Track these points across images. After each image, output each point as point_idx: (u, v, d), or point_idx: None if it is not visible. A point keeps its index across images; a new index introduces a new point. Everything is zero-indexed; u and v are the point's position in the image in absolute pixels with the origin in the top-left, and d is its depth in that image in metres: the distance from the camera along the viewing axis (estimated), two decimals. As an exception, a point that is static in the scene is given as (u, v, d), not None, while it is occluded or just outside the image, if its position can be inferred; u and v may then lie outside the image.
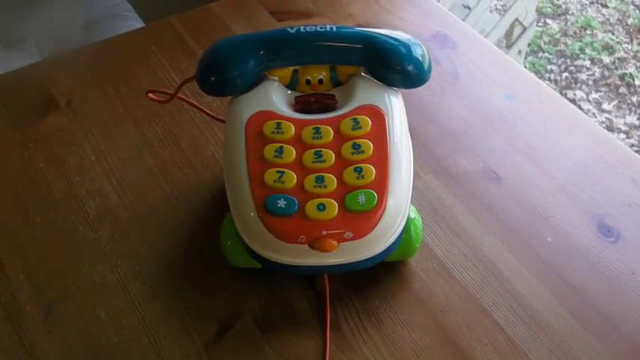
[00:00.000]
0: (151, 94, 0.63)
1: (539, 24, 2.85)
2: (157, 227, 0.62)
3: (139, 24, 1.37)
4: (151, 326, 0.55)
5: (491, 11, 2.38)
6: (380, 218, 0.51)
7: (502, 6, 2.38)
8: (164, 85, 0.76)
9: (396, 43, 0.57)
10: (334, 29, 0.56)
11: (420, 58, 0.57)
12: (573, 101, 2.54)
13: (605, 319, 0.55)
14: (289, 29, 0.57)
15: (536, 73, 2.65)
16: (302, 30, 0.56)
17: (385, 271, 0.58)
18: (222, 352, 0.54)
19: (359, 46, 0.56)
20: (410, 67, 0.56)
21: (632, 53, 2.73)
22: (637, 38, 2.80)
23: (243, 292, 0.57)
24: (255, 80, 0.57)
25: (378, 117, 0.54)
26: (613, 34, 2.84)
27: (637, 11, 2.96)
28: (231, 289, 0.58)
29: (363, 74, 0.57)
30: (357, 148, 0.53)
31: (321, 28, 0.56)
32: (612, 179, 0.65)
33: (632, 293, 0.56)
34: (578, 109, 0.75)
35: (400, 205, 0.53)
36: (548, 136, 0.70)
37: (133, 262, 0.60)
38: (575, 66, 2.69)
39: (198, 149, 0.69)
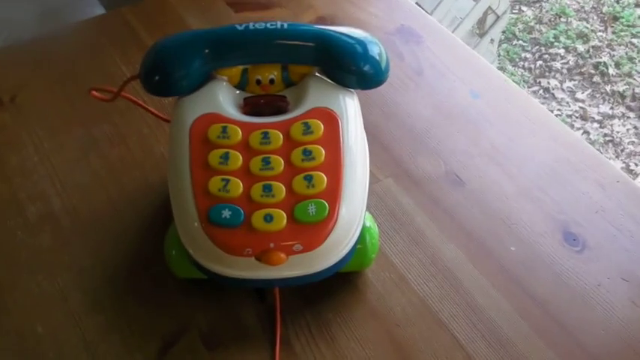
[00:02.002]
0: (94, 92, 0.59)
1: (514, 11, 2.83)
2: (101, 235, 0.59)
3: (100, 11, 1.32)
4: (91, 342, 0.52)
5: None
6: (332, 229, 0.48)
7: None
8: (114, 80, 0.72)
9: (352, 41, 0.53)
10: (285, 26, 0.53)
11: (377, 58, 0.54)
12: (547, 90, 2.53)
13: (568, 333, 0.53)
14: (237, 26, 0.53)
15: (510, 60, 2.64)
16: (251, 27, 0.53)
17: (339, 283, 0.55)
18: (164, 371, 0.50)
19: (311, 44, 0.53)
20: (366, 68, 0.53)
21: (606, 42, 2.72)
22: (611, 27, 2.79)
23: (190, 306, 0.54)
24: (202, 80, 0.53)
25: (331, 121, 0.51)
26: (588, 22, 2.82)
27: (612, -1, 2.94)
28: (177, 303, 0.54)
29: (317, 74, 0.54)
30: (307, 154, 0.49)
31: (271, 25, 0.53)
32: (579, 183, 0.63)
33: (596, 306, 0.54)
34: (546, 109, 0.72)
35: (354, 214, 0.50)
36: (513, 136, 0.67)
37: (74, 273, 0.56)
38: (550, 54, 2.67)
39: (147, 150, 0.66)
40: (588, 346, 0.52)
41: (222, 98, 0.53)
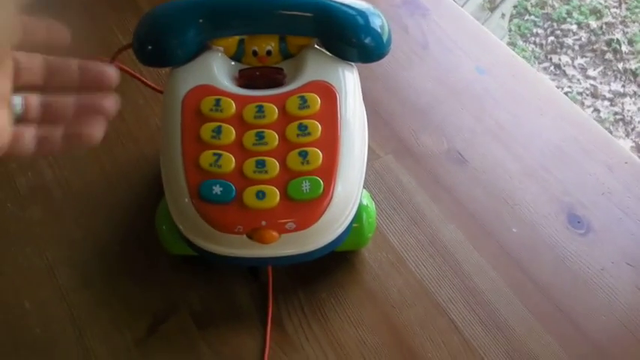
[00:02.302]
0: (86, 62, 0.57)
1: (527, -15, 2.78)
2: (93, 207, 0.58)
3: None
4: (78, 318, 0.51)
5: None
6: (326, 208, 0.46)
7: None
8: (110, 48, 0.70)
9: (352, 12, 0.51)
10: (284, -5, 0.51)
11: (379, 30, 0.52)
12: (558, 66, 2.49)
13: (569, 318, 0.51)
14: (234, -6, 0.51)
15: (522, 36, 2.60)
16: (248, -4, 0.51)
17: (334, 262, 0.53)
18: (153, 349, 0.49)
19: (310, 14, 0.51)
20: (367, 40, 0.51)
21: (620, 18, 2.67)
22: (625, 3, 2.74)
23: (182, 283, 0.53)
24: (197, 50, 0.52)
25: (329, 95, 0.49)
26: (602, -3, 2.77)
27: (627, -26, 2.89)
28: (169, 279, 0.53)
29: (315, 46, 0.52)
30: (303, 129, 0.48)
31: (269, -6, 0.51)
32: (586, 164, 0.61)
33: (599, 291, 0.52)
34: (554, 86, 0.70)
35: (350, 192, 0.48)
36: (519, 114, 0.65)
37: (64, 246, 0.55)
38: (562, 30, 2.63)
39: (142, 122, 0.64)
40: (589, 332, 0.50)
41: (217, 69, 0.51)
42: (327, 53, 0.52)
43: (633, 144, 2.20)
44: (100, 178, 0.60)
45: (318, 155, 0.47)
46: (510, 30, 2.54)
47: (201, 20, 0.51)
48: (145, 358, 0.49)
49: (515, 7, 2.55)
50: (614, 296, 0.52)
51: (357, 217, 0.50)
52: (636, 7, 2.70)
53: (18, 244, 0.55)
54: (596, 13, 2.68)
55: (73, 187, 0.59)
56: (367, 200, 0.52)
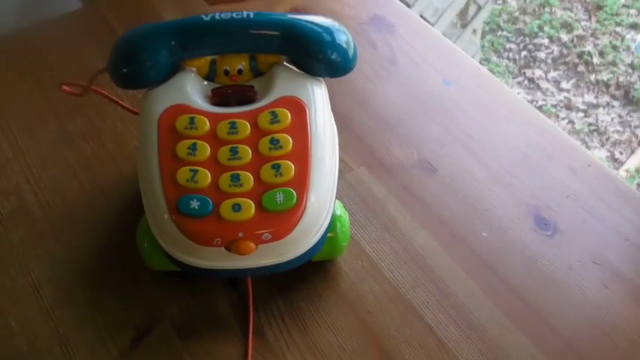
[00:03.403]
0: (65, 87, 0.59)
1: (498, 2, 2.83)
2: (74, 227, 0.59)
3: (77, 4, 1.31)
4: (64, 334, 0.52)
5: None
6: (300, 218, 0.48)
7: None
8: (88, 73, 0.72)
9: (318, 29, 0.54)
10: (251, 16, 0.53)
11: (344, 45, 0.54)
12: (532, 80, 2.53)
13: (540, 317, 0.53)
14: (204, 16, 0.53)
15: (495, 51, 2.64)
16: (217, 17, 0.53)
17: (312, 271, 0.55)
18: (138, 361, 0.51)
19: (277, 33, 0.53)
20: (333, 55, 0.53)
21: (590, 31, 2.73)
22: (595, 15, 2.80)
23: (163, 296, 0.54)
24: (170, 72, 0.53)
25: (299, 109, 0.51)
26: (572, 11, 2.83)
27: (596, -12, 2.95)
28: (150, 293, 0.55)
29: (285, 63, 0.54)
30: (275, 143, 0.49)
31: (237, 14, 0.53)
32: (551, 168, 0.63)
33: (567, 290, 0.54)
34: (518, 94, 0.72)
35: (323, 202, 0.50)
36: (486, 123, 0.67)
37: (47, 265, 0.56)
38: (534, 44, 2.68)
39: (121, 143, 0.66)
40: (560, 329, 0.52)
41: (190, 89, 0.53)
42: (296, 70, 0.54)
43: (608, 153, 2.24)
44: (81, 197, 0.61)
45: (290, 167, 0.49)
46: (484, 46, 2.59)
47: (173, 42, 0.52)
48: (129, 370, 0.50)
49: (487, 23, 2.60)
50: (582, 293, 0.54)
51: (332, 227, 0.52)
52: (605, 19, 2.75)
53: (2, 266, 0.56)
54: (567, 26, 2.74)
55: (53, 208, 0.60)
56: (340, 210, 0.54)
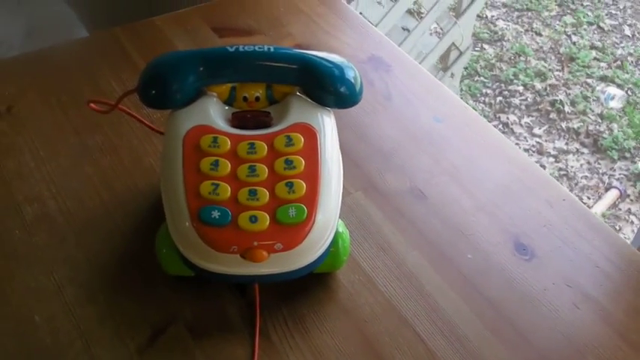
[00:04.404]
0: (92, 104, 0.64)
1: (476, 48, 2.94)
2: (94, 234, 0.64)
3: (82, 33, 1.37)
4: (85, 330, 0.57)
5: (430, 34, 2.45)
6: (309, 231, 0.53)
7: (441, 29, 2.46)
8: (105, 94, 0.77)
9: (330, 65, 0.60)
10: (272, 49, 0.59)
11: (352, 81, 0.60)
12: (506, 124, 2.63)
13: (518, 332, 0.59)
14: (229, 48, 0.59)
15: (472, 96, 2.74)
16: (241, 49, 0.59)
17: (313, 282, 0.60)
18: (154, 356, 0.55)
19: (295, 66, 0.59)
20: (342, 89, 0.59)
21: (562, 81, 2.84)
22: (568, 67, 2.92)
23: (177, 300, 0.59)
24: (194, 95, 0.59)
25: (311, 135, 0.57)
26: (545, 61, 2.94)
27: (569, 40, 3.07)
28: (164, 296, 0.59)
29: (298, 94, 0.60)
30: (289, 163, 0.55)
31: (259, 48, 0.59)
32: (530, 201, 0.69)
33: (543, 308, 0.60)
34: (502, 134, 0.79)
35: (329, 219, 0.55)
36: (472, 158, 0.74)
37: (69, 268, 0.61)
38: (509, 90, 2.78)
39: (137, 160, 0.71)
40: (535, 343, 0.58)
41: (213, 112, 0.58)
42: (308, 100, 0.60)
43: (576, 198, 2.31)
44: (100, 208, 0.66)
45: (302, 186, 0.54)
46: (461, 90, 2.68)
47: (200, 69, 0.58)
48: (146, 365, 0.55)
49: (465, 68, 2.69)
50: (555, 312, 0.60)
51: (334, 242, 0.58)
52: (577, 70, 2.86)
53: (27, 266, 0.61)
54: (541, 75, 2.84)
55: (74, 216, 0.65)
56: (342, 228, 0.60)
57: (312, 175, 0.55)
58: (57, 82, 0.79)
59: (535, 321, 0.60)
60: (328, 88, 0.59)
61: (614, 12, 3.29)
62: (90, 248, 0.63)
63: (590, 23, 3.20)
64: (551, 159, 2.50)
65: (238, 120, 0.59)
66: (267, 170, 0.55)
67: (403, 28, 2.14)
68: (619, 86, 2.83)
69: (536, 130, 2.61)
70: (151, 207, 0.66)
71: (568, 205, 0.69)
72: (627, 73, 2.91)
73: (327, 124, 0.59)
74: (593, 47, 3.04)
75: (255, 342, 0.56)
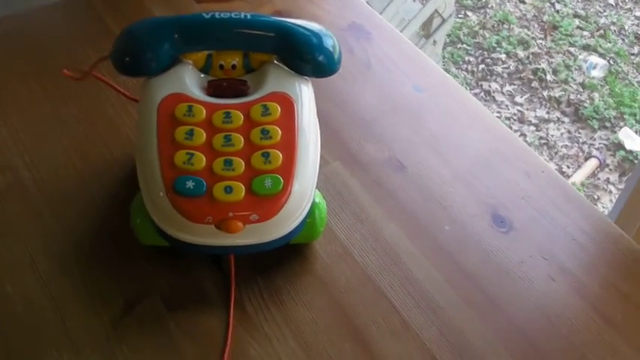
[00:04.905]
0: (66, 71, 0.63)
1: (459, 15, 2.92)
2: (69, 204, 0.63)
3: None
4: (59, 302, 0.56)
5: (413, 0, 2.43)
6: (285, 202, 0.53)
7: (424, -4, 2.44)
8: (79, 61, 0.76)
9: (308, 33, 0.59)
10: (248, 17, 0.58)
11: (331, 49, 0.59)
12: (488, 92, 2.62)
13: (493, 303, 0.59)
14: (204, 14, 0.58)
15: (454, 63, 2.73)
16: (217, 16, 0.58)
17: (289, 254, 0.60)
18: (128, 329, 0.55)
19: (272, 34, 0.58)
20: (320, 58, 0.59)
21: (545, 49, 2.83)
22: (550, 35, 2.91)
23: (152, 271, 0.59)
24: (170, 63, 0.58)
25: (288, 104, 0.56)
26: (529, 29, 2.94)
27: (552, 8, 3.06)
28: (140, 268, 0.59)
29: (275, 62, 0.59)
30: (265, 133, 0.54)
31: (235, 15, 0.58)
32: (508, 172, 0.69)
33: (519, 280, 0.60)
34: (482, 104, 0.78)
35: (305, 190, 0.55)
36: (451, 127, 0.73)
37: (43, 239, 0.60)
38: (492, 58, 2.77)
39: (113, 129, 0.70)
40: (509, 313, 0.58)
41: (188, 80, 0.57)
42: (286, 68, 0.59)
43: (556, 167, 2.33)
44: (74, 178, 0.65)
45: (278, 156, 0.54)
46: (444, 57, 2.67)
47: (175, 36, 0.57)
48: (120, 336, 0.54)
49: (448, 35, 2.68)
50: (531, 284, 0.60)
51: (311, 213, 0.57)
52: (560, 39, 2.86)
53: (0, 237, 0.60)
54: (524, 43, 2.84)
55: (49, 186, 0.64)
56: (319, 199, 0.59)
57: (289, 145, 0.55)
58: (29, 49, 0.78)
59: (510, 292, 0.60)
60: (306, 56, 0.58)
61: (598, -20, 3.28)
62: (65, 219, 0.62)
63: (574, -9, 3.19)
64: (532, 127, 2.51)
65: (214, 88, 0.58)
66: (242, 140, 0.54)
67: (386, -6, 2.12)
68: (601, 55, 2.83)
69: (518, 99, 2.61)
70: (126, 177, 0.65)
71: (546, 177, 0.69)
72: (610, 42, 2.91)
73: (305, 94, 0.58)
74: (576, 15, 3.04)
75: (230, 314, 0.56)
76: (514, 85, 2.67)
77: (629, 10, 3.12)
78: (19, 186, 0.64)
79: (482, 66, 2.74)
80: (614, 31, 2.98)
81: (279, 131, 0.55)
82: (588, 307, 0.59)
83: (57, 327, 0.55)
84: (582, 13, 3.06)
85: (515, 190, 0.68)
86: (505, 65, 2.75)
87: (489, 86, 2.64)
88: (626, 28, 3.00)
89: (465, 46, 2.82)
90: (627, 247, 0.64)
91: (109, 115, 0.71)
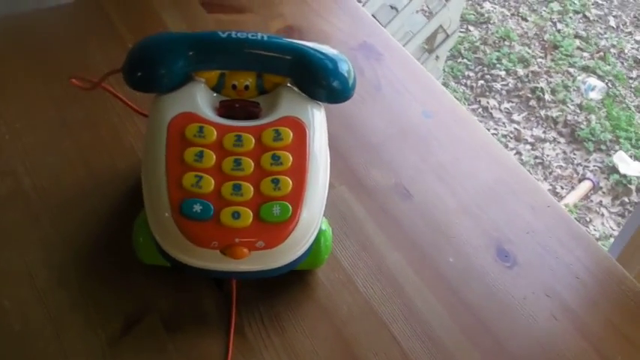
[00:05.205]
0: (74, 80, 0.62)
1: (461, 30, 2.92)
2: (69, 215, 0.62)
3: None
4: (56, 317, 0.55)
5: (417, 12, 2.43)
6: (292, 230, 0.52)
7: (428, 8, 2.44)
8: (87, 66, 0.75)
9: (324, 58, 0.58)
10: (265, 38, 0.57)
11: (346, 75, 0.58)
12: (486, 109, 2.62)
13: (494, 339, 0.58)
14: (220, 33, 0.57)
15: (454, 77, 2.73)
16: (233, 35, 0.57)
17: (292, 279, 0.59)
18: (125, 349, 0.54)
19: (288, 57, 0.57)
20: (335, 83, 0.58)
21: (544, 68, 2.84)
22: (551, 54, 2.91)
23: (152, 290, 0.58)
24: (182, 80, 0.57)
25: (300, 130, 0.56)
26: (529, 47, 2.94)
27: (554, 28, 3.07)
28: (140, 285, 0.58)
29: (288, 85, 0.59)
30: (276, 159, 0.54)
31: (252, 35, 0.57)
32: (514, 205, 0.69)
33: (521, 317, 0.60)
34: (489, 133, 0.78)
35: (313, 217, 0.54)
36: (459, 156, 0.73)
37: (42, 250, 0.59)
38: (491, 75, 2.77)
39: (117, 138, 0.69)
40: (510, 351, 0.58)
41: (200, 99, 0.56)
42: (299, 92, 0.58)
43: (550, 187, 2.33)
44: (76, 187, 0.64)
45: (288, 183, 0.53)
46: (444, 70, 2.67)
47: (189, 53, 0.56)
48: (117, 356, 0.53)
49: (450, 49, 2.68)
50: (533, 321, 0.60)
51: (316, 240, 0.56)
52: (560, 59, 2.86)
53: (-2, 246, 0.59)
54: (524, 61, 2.84)
55: (49, 195, 0.63)
56: (325, 226, 0.59)
57: (299, 172, 0.54)
58: (38, 50, 0.77)
59: (512, 329, 0.59)
60: (321, 81, 0.58)
61: (600, 2, 3.29)
62: (64, 229, 0.61)
63: (576, 12, 3.20)
64: (528, 146, 2.51)
65: (226, 109, 0.57)
66: (253, 164, 0.53)
67: (391, 7, 2.12)
68: (600, 77, 2.84)
69: (515, 117, 2.62)
70: (129, 190, 0.64)
71: (552, 212, 0.69)
72: (609, 64, 2.92)
73: (317, 119, 0.57)
74: (577, 36, 3.04)
75: (230, 339, 0.55)
76: (512, 102, 2.67)
77: (630, 33, 3.13)
78: (19, 193, 0.63)
79: (481, 82, 2.74)
80: (614, 54, 2.99)
81: (290, 157, 0.54)
82: (590, 347, 0.59)
83: (54, 345, 0.53)
84: (583, 34, 3.06)
85: (520, 223, 0.67)
86: (504, 82, 2.75)
87: (487, 102, 2.65)
88: (626, 51, 3.01)
89: (465, 60, 2.82)
90: (631, 289, 0.64)
91: (114, 123, 0.70)
